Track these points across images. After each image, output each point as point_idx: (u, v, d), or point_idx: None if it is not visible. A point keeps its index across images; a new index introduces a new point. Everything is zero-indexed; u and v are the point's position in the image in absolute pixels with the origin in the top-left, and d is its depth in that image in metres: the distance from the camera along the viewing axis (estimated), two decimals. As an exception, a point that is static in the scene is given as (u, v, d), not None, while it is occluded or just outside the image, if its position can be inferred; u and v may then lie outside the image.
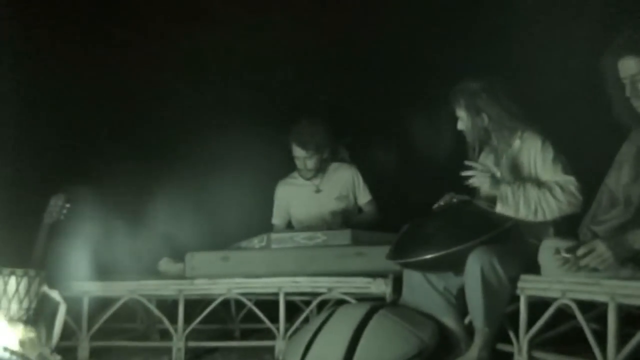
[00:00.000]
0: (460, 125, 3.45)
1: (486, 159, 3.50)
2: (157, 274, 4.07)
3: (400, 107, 4.61)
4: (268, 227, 4.35)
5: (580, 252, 2.70)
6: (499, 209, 3.19)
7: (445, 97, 3.46)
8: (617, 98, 2.78)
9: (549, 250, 2.92)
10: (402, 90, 4.57)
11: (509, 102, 3.35)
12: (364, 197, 4.35)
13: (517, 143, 3.36)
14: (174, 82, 4.74)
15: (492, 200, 3.25)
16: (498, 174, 3.29)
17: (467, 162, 3.24)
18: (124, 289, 3.79)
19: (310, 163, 4.24)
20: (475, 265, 3.01)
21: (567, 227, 3.18)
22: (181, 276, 3.82)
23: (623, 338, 2.67)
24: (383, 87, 4.67)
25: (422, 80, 4.37)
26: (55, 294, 3.30)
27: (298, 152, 4.22)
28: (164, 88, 4.69)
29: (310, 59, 4.64)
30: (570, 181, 3.18)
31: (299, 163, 4.27)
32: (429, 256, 3.11)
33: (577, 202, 3.14)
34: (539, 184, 3.21)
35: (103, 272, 3.79)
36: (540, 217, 3.17)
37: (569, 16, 3.91)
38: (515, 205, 3.16)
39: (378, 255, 3.47)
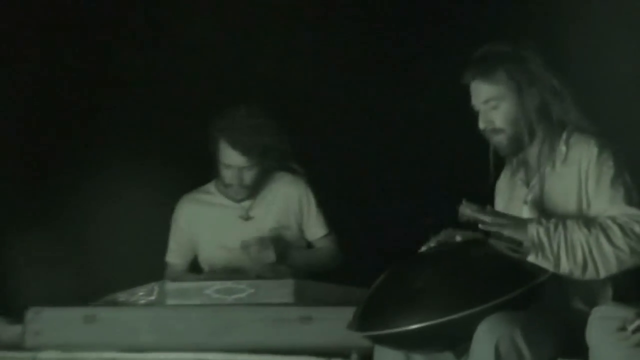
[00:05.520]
0: (489, 117, 2.76)
1: (512, 179, 2.89)
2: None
3: (373, 90, 4.04)
4: (161, 272, 3.58)
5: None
6: (532, 259, 2.62)
7: (452, 69, 2.76)
8: None
9: (603, 323, 2.43)
10: (380, 64, 4.01)
11: (560, 82, 2.73)
12: (315, 230, 3.48)
13: (561, 150, 2.76)
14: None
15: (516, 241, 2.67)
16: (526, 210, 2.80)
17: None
18: None
19: (249, 176, 3.36)
20: (488, 341, 2.47)
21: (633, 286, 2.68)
22: (17, 345, 3.14)
23: None
24: (352, 61, 4.04)
25: (411, 50, 3.87)
26: None
27: (233, 158, 3.34)
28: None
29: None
30: (636, 217, 2.61)
31: (229, 175, 3.38)
32: (414, 326, 2.53)
33: None
34: (587, 221, 2.62)
35: None
36: (591, 274, 2.60)
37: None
38: (555, 255, 2.59)
39: (335, 322, 2.86)
